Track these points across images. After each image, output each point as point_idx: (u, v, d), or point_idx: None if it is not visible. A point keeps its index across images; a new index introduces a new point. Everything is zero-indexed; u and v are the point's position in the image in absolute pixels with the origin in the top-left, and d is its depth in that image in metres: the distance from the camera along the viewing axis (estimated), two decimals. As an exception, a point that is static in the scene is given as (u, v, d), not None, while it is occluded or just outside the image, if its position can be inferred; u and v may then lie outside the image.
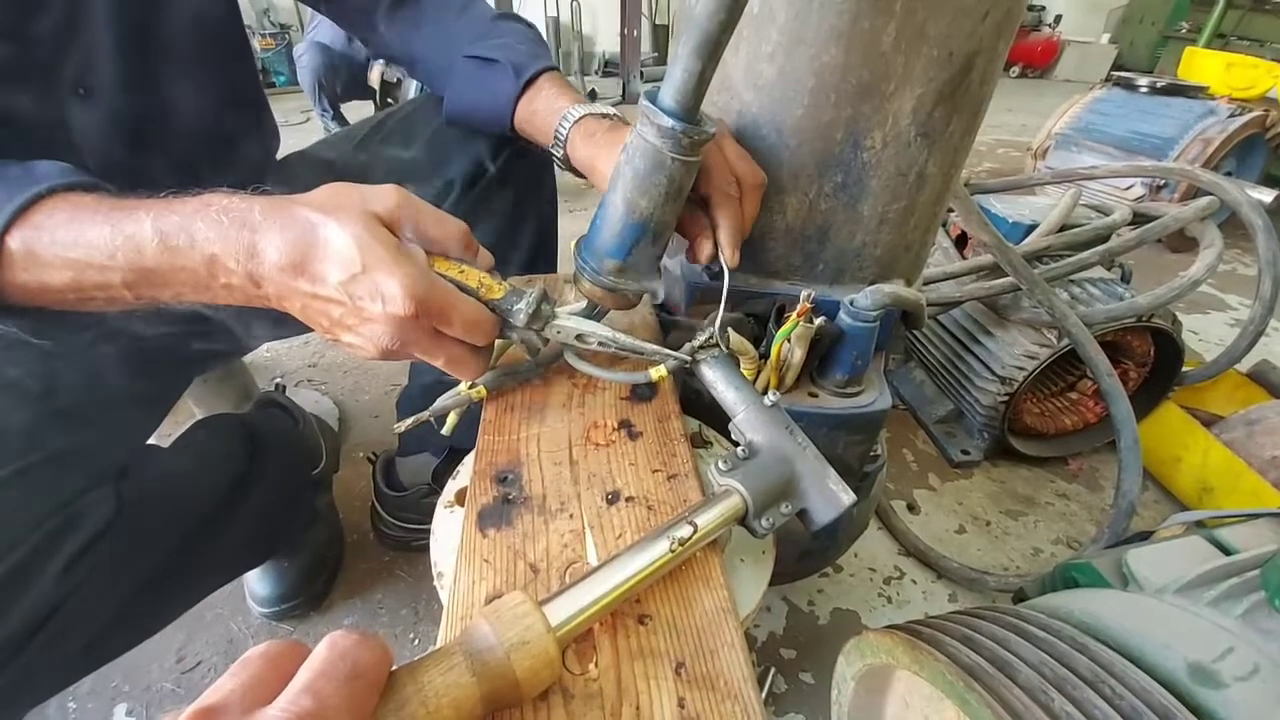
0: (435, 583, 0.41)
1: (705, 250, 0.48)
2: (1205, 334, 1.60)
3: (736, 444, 0.42)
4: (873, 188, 0.52)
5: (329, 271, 0.36)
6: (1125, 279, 1.10)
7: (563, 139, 0.54)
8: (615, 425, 0.47)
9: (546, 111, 0.57)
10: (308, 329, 0.41)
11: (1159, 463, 1.08)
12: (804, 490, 0.39)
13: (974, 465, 1.10)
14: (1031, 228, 1.10)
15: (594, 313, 0.48)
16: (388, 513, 0.88)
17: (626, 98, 3.91)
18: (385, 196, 0.38)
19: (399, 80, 2.43)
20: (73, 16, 0.47)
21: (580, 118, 0.54)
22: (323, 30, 2.57)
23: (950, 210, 1.04)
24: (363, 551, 0.91)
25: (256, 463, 0.65)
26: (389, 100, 2.46)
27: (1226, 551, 0.50)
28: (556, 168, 0.61)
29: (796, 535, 0.67)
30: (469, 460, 0.46)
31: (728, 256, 0.47)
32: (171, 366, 0.65)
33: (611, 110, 0.55)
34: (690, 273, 0.58)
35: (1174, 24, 5.68)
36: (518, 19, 0.67)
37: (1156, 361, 1.09)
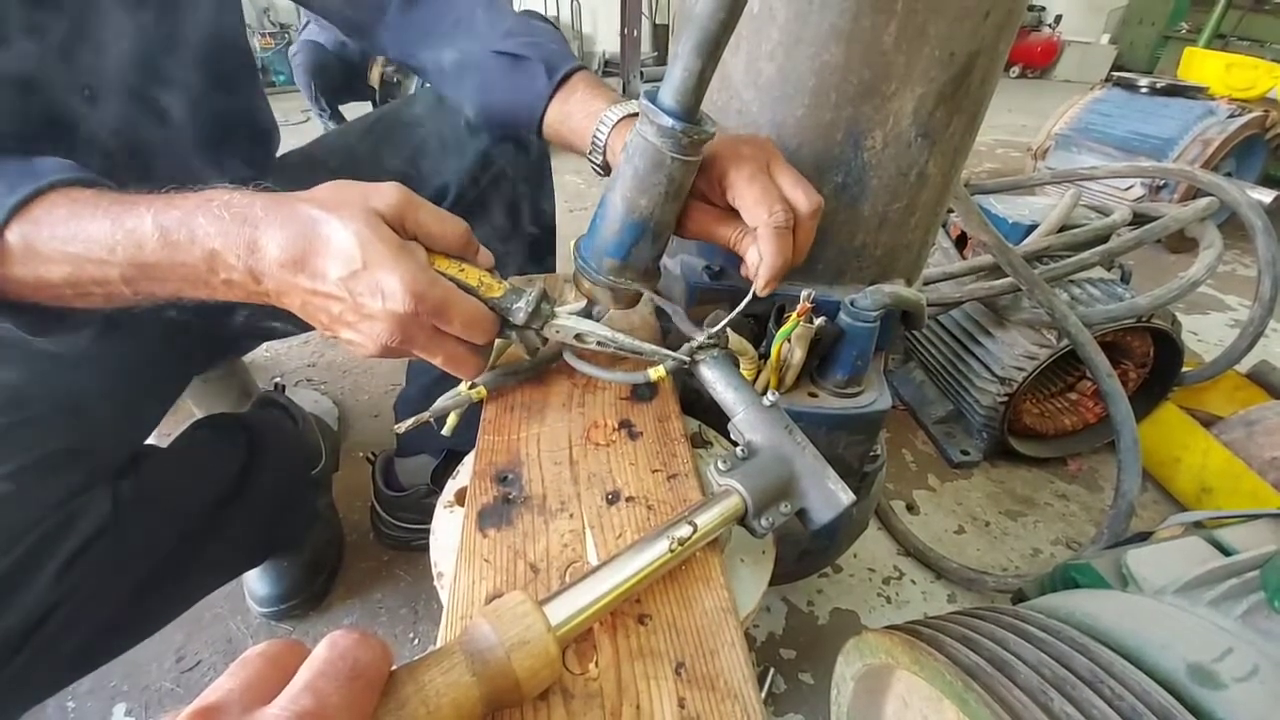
0: (435, 582, 0.41)
1: (752, 270, 0.46)
2: (1205, 335, 1.60)
3: (736, 444, 0.42)
4: (873, 187, 0.52)
5: (329, 267, 0.36)
6: (1125, 279, 1.10)
7: (601, 145, 0.51)
8: (615, 425, 0.47)
9: (582, 114, 0.53)
10: (308, 327, 0.41)
11: (1158, 463, 1.08)
12: (803, 490, 0.39)
13: (973, 466, 1.10)
14: (1031, 228, 1.10)
15: (593, 312, 0.48)
16: (387, 512, 0.88)
17: (627, 97, 3.90)
18: (387, 194, 0.38)
19: (399, 80, 2.42)
20: (81, 17, 0.47)
21: (618, 121, 0.50)
22: (314, 28, 2.49)
23: (950, 210, 1.04)
24: (362, 551, 0.91)
25: (255, 462, 0.65)
26: (389, 100, 2.45)
27: (1226, 552, 0.50)
28: (554, 165, 0.60)
29: (796, 535, 0.67)
30: (469, 460, 0.46)
31: (760, 288, 0.45)
32: (170, 365, 0.65)
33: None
34: (690, 273, 0.58)
35: (1174, 24, 5.67)
36: (541, 17, 0.65)
37: (1156, 362, 1.09)
